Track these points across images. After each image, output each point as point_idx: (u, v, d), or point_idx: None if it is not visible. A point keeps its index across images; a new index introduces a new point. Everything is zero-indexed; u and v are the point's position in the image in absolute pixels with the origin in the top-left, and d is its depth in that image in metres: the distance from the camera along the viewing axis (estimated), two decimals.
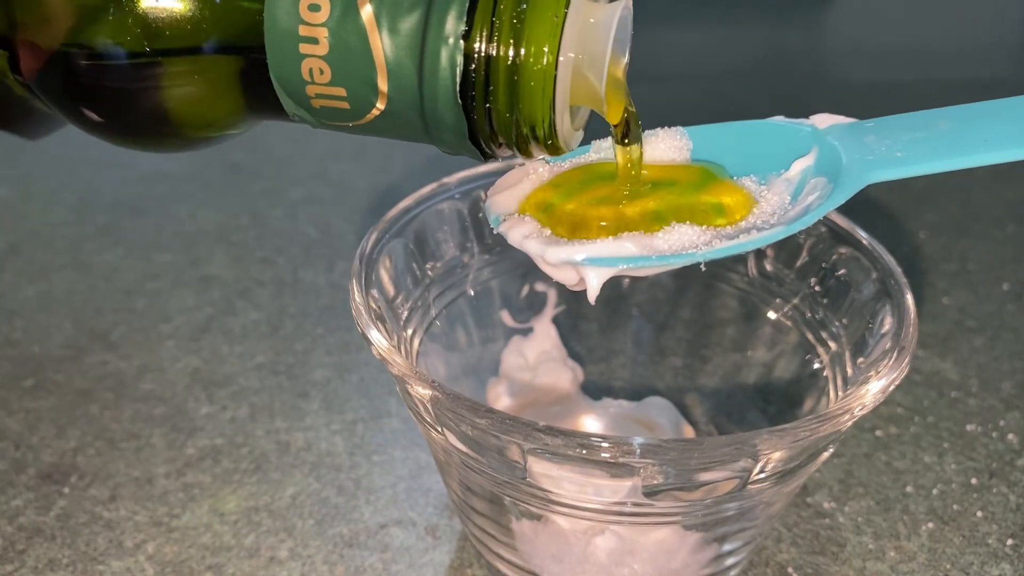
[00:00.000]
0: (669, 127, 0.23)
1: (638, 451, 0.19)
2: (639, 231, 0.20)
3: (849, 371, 0.25)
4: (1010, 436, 0.34)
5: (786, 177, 0.21)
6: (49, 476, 0.32)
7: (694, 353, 0.32)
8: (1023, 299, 0.42)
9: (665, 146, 0.23)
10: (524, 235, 0.21)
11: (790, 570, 0.28)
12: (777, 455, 0.20)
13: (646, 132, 0.22)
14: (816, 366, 0.27)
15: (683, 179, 0.22)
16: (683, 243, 0.20)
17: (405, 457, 0.32)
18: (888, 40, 0.74)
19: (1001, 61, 0.67)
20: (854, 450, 0.33)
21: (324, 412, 0.35)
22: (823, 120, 0.21)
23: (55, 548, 0.29)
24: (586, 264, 0.20)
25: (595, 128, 0.23)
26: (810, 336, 0.27)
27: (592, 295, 0.20)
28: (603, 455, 0.19)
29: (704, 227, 0.20)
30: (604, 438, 0.19)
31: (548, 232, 0.21)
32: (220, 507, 0.30)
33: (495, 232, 0.22)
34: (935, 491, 0.31)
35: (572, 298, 0.31)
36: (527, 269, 0.31)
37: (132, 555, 0.29)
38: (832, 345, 0.26)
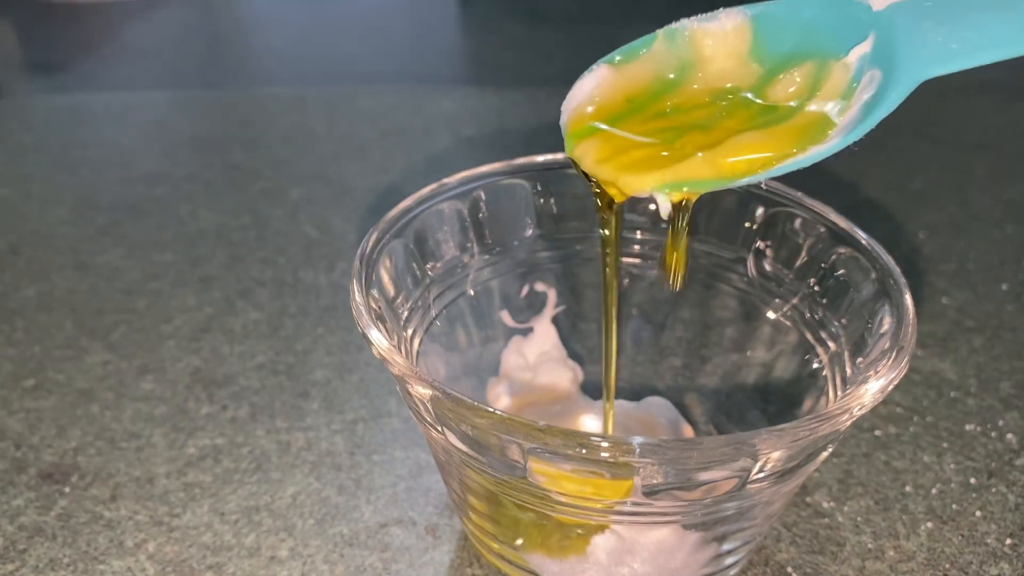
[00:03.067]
0: (728, 8, 0.22)
1: (638, 451, 0.19)
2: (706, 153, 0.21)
3: (848, 371, 0.25)
4: (1009, 436, 0.34)
5: (845, 63, 0.21)
6: (50, 476, 0.32)
7: (693, 353, 0.32)
8: (1022, 299, 0.42)
9: (727, 31, 0.22)
10: (596, 161, 0.22)
11: (789, 569, 0.28)
12: (776, 455, 0.21)
13: (706, 15, 0.22)
14: (815, 366, 0.27)
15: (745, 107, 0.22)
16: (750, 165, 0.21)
17: (405, 457, 0.33)
18: None
19: (1000, 61, 0.67)
20: (853, 450, 0.33)
21: (324, 412, 0.35)
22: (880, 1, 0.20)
23: (56, 547, 0.29)
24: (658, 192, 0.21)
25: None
26: (809, 336, 0.27)
27: (664, 212, 0.21)
28: (603, 455, 0.19)
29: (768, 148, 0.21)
30: (604, 438, 0.19)
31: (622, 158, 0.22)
32: (220, 507, 0.31)
33: (568, 157, 0.23)
34: (934, 491, 0.31)
35: (572, 298, 0.31)
36: (527, 269, 0.31)
37: (133, 554, 0.29)
38: (831, 345, 0.26)
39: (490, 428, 0.20)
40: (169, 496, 0.31)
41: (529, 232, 0.30)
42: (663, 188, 0.21)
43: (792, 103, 0.22)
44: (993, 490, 0.32)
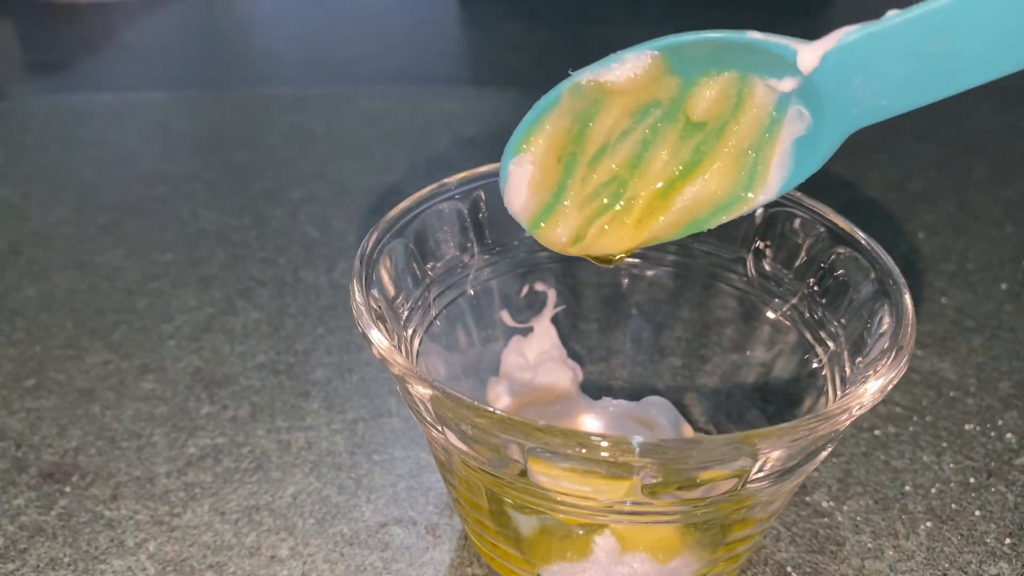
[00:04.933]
0: (638, 49, 0.21)
1: (637, 450, 0.19)
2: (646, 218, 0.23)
3: (847, 371, 0.25)
4: (1008, 435, 0.34)
5: (768, 83, 0.21)
6: (50, 475, 0.32)
7: (693, 353, 0.32)
8: (1021, 299, 0.42)
9: (635, 73, 0.22)
10: (566, 245, 0.24)
11: (789, 569, 0.29)
12: (776, 454, 0.21)
13: (608, 60, 0.22)
14: (815, 365, 0.27)
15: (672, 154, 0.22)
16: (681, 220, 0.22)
17: (405, 456, 0.33)
18: None
19: None
20: (853, 449, 0.33)
21: (325, 411, 0.35)
22: (807, 61, 0.19)
23: (56, 547, 0.29)
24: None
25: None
26: (808, 336, 0.28)
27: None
28: (602, 454, 0.19)
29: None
30: (603, 437, 0.19)
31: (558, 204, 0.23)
32: (221, 506, 0.31)
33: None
34: (933, 490, 0.32)
35: (572, 298, 0.31)
36: (527, 269, 0.31)
37: (133, 554, 0.29)
38: (831, 345, 0.26)
39: (490, 428, 0.20)
40: (169, 496, 0.31)
41: (529, 232, 0.30)
42: (634, 250, 0.24)
43: (716, 123, 0.21)
44: (992, 489, 0.32)
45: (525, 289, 0.31)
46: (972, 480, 0.32)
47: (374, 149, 0.55)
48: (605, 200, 0.23)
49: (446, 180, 0.28)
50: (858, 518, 0.30)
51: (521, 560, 0.26)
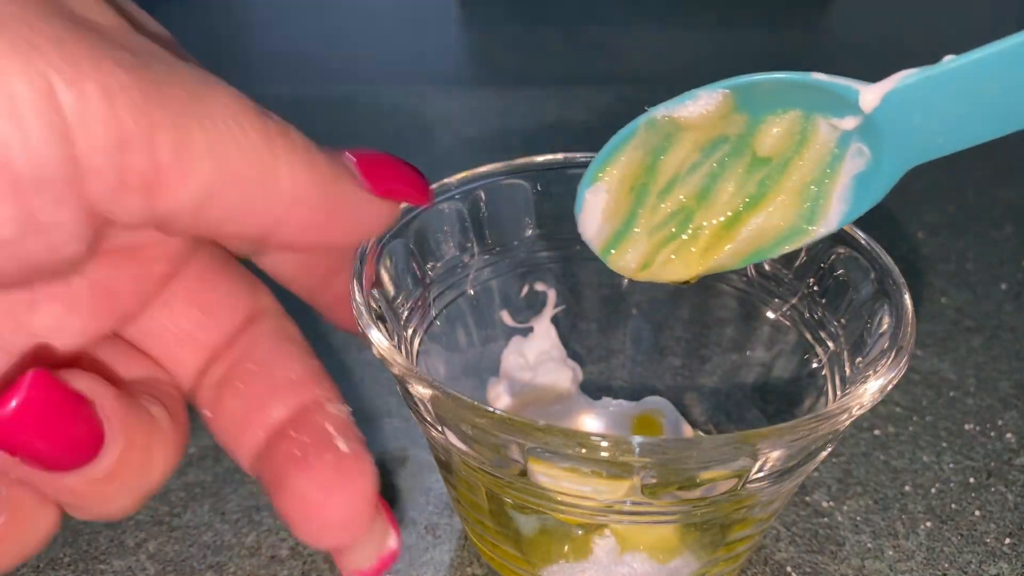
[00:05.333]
0: (710, 88, 0.23)
1: (637, 450, 0.19)
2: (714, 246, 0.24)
3: (847, 371, 0.25)
4: (1008, 435, 0.34)
5: (831, 122, 0.22)
6: None
7: (693, 352, 0.32)
8: (1021, 299, 0.42)
9: (708, 108, 0.23)
10: (636, 271, 0.25)
11: (789, 569, 0.29)
12: (775, 454, 0.21)
13: (682, 97, 0.23)
14: (814, 365, 0.27)
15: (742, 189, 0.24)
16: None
17: (405, 456, 0.33)
18: (888, 40, 0.74)
19: None
20: (852, 449, 0.33)
21: None
22: (868, 101, 0.20)
23: (56, 547, 0.29)
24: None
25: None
26: (808, 336, 0.28)
27: None
28: (602, 454, 0.19)
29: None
30: (603, 437, 0.19)
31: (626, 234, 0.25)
32: (221, 506, 0.31)
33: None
34: (933, 490, 0.32)
35: (572, 298, 0.31)
36: (527, 269, 0.31)
37: (133, 554, 0.29)
38: (830, 345, 0.26)
39: (490, 427, 0.20)
40: (170, 495, 0.31)
41: (529, 232, 0.30)
42: (699, 277, 0.25)
43: (780, 159, 0.23)
44: (992, 489, 0.32)
45: (525, 289, 0.31)
46: (972, 480, 0.32)
47: (374, 149, 0.55)
48: (673, 229, 0.24)
49: (446, 180, 0.28)
50: (858, 518, 0.30)
51: (521, 560, 0.26)
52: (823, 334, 0.27)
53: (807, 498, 0.31)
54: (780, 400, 0.29)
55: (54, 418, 0.15)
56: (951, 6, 0.82)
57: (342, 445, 0.20)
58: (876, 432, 0.34)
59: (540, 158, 0.29)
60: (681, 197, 0.24)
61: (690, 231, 0.24)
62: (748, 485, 0.21)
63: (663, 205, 0.24)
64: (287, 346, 0.22)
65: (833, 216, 0.23)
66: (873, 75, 0.20)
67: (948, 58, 0.19)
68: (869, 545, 0.29)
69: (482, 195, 0.29)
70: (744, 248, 0.24)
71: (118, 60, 0.14)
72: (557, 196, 0.30)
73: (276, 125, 0.17)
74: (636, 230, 0.24)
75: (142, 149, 0.14)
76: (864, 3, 0.84)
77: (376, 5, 0.89)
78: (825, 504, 0.31)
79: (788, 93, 0.22)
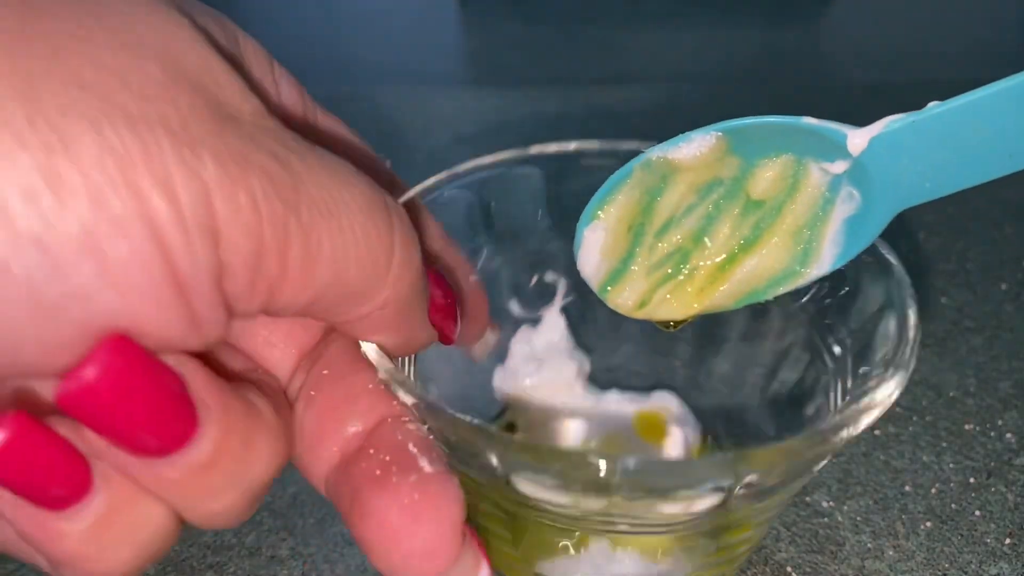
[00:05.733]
0: (704, 131, 0.23)
1: (603, 472, 0.18)
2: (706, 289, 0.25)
3: (849, 381, 0.25)
4: (1008, 435, 0.34)
5: (822, 166, 0.22)
6: None
7: (701, 347, 0.32)
8: (1021, 299, 0.42)
9: (701, 152, 0.23)
10: (632, 309, 0.25)
11: (789, 569, 0.29)
12: (755, 477, 0.20)
13: (677, 140, 0.23)
14: (820, 365, 0.27)
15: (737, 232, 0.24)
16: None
17: None
18: (888, 40, 0.74)
19: (1001, 61, 0.68)
20: (852, 449, 0.33)
21: None
22: (856, 144, 0.21)
23: None
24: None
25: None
26: (816, 336, 0.27)
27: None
28: (576, 472, 0.19)
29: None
30: (571, 455, 0.19)
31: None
32: None
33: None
34: (933, 490, 0.32)
35: (583, 289, 0.31)
36: (537, 259, 0.31)
37: None
38: (836, 349, 0.26)
39: (470, 438, 0.20)
40: None
41: (539, 221, 0.30)
42: (694, 318, 0.25)
43: (774, 202, 0.23)
44: (992, 489, 0.32)
45: (534, 279, 0.31)
46: (972, 480, 0.32)
47: (374, 149, 0.55)
48: (669, 270, 0.25)
49: (456, 168, 0.28)
50: (858, 518, 0.30)
51: (516, 558, 0.26)
52: (830, 337, 0.27)
53: (807, 498, 0.31)
54: (785, 399, 0.29)
55: (138, 389, 0.15)
56: (951, 6, 0.82)
57: (425, 465, 0.19)
58: (876, 432, 0.34)
59: (552, 146, 0.29)
60: (677, 238, 0.24)
61: (686, 271, 0.25)
62: (733, 502, 0.21)
63: (660, 245, 0.25)
64: (362, 360, 0.21)
65: (826, 258, 0.23)
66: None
67: (932, 104, 0.20)
68: (869, 545, 0.29)
69: (492, 183, 0.28)
70: (738, 289, 0.24)
71: (264, 166, 0.15)
72: (569, 185, 0.29)
73: (399, 225, 0.18)
74: (633, 269, 0.25)
75: (274, 259, 0.15)
76: (864, 3, 0.84)
77: (376, 5, 0.89)
78: (825, 504, 0.31)
79: (780, 137, 0.22)
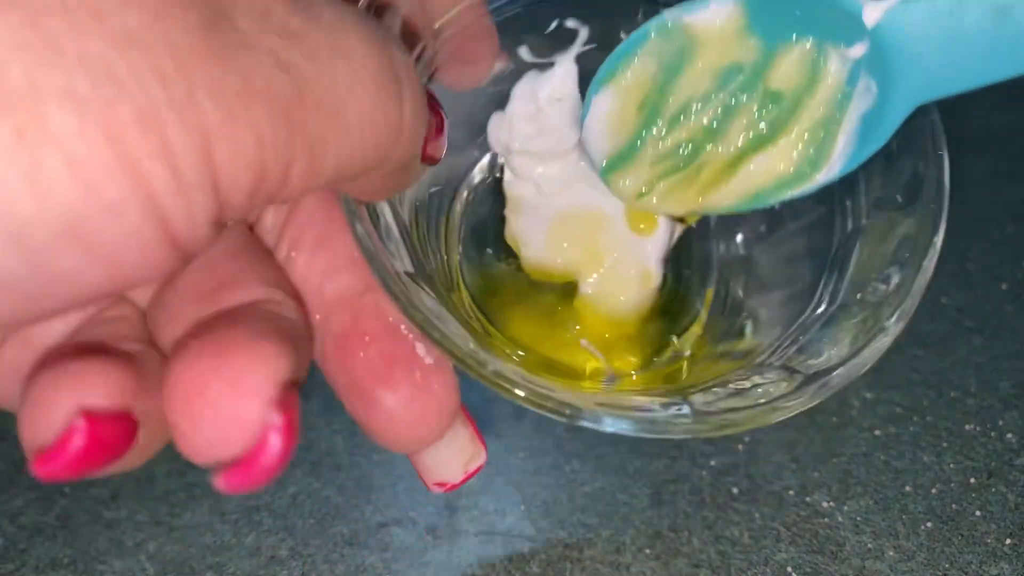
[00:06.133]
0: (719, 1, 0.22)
1: (568, 413, 0.19)
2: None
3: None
4: (1008, 435, 0.34)
5: (842, 53, 0.21)
6: None
7: None
8: (1022, 299, 0.42)
9: (719, 18, 0.22)
10: (635, 196, 0.24)
11: (789, 569, 0.29)
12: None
13: (692, 5, 0.22)
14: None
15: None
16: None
17: (405, 456, 0.33)
18: None
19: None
20: (853, 450, 0.33)
21: (324, 412, 0.35)
22: (871, 16, 0.20)
23: (56, 547, 0.29)
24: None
25: None
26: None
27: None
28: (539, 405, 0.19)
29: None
30: (543, 399, 0.19)
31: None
32: (220, 506, 0.31)
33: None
34: (934, 490, 0.32)
35: (606, 40, 0.27)
36: (561, 4, 0.27)
37: (133, 554, 0.29)
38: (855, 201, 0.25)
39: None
40: (169, 496, 0.31)
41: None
42: (694, 215, 0.25)
43: (792, 95, 0.22)
44: (993, 490, 0.32)
45: (554, 24, 0.27)
46: (972, 480, 0.32)
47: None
48: (678, 163, 0.24)
49: None
50: (858, 518, 0.30)
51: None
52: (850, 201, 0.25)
53: (807, 498, 0.31)
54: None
55: (106, 446, 0.17)
56: None
57: (423, 355, 0.19)
58: (876, 432, 0.34)
59: None
60: (690, 128, 0.23)
61: (693, 166, 0.23)
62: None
63: (670, 134, 0.23)
64: (339, 219, 0.20)
65: (836, 161, 0.22)
66: None
67: None
68: (870, 545, 0.29)
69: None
70: (744, 190, 0.23)
71: (268, 84, 0.13)
72: None
73: (409, 98, 0.16)
74: (639, 155, 0.24)
75: (275, 179, 0.14)
76: None
77: None
78: (825, 504, 0.31)
79: (798, 12, 0.21)
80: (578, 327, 0.27)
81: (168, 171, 0.12)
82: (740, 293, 0.28)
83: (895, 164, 0.24)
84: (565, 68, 0.27)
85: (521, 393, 0.19)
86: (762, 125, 0.23)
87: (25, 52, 0.11)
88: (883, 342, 0.21)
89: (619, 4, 0.26)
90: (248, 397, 0.16)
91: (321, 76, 0.14)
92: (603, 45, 0.26)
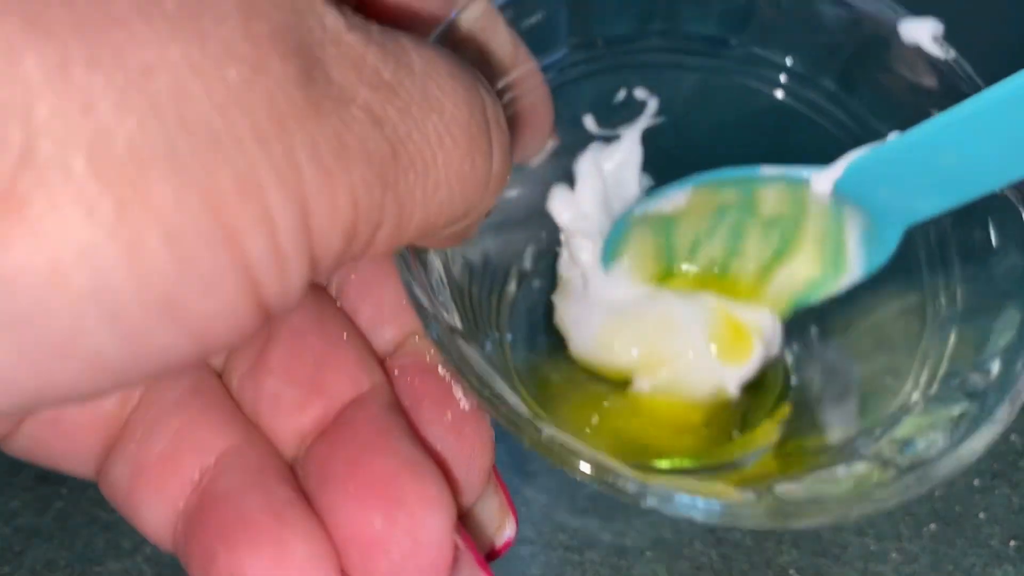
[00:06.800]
0: (674, 187, 0.22)
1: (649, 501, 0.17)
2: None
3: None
4: (1013, 437, 0.34)
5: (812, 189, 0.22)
6: (46, 477, 0.32)
7: None
8: None
9: (683, 203, 0.23)
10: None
11: (792, 572, 0.28)
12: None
13: (655, 194, 0.23)
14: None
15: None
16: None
17: None
18: None
19: (1001, 60, 0.67)
20: None
21: None
22: (821, 190, 0.21)
23: (53, 549, 0.29)
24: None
25: None
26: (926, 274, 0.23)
27: None
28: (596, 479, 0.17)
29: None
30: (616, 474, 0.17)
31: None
32: None
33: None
34: (937, 492, 0.31)
35: (676, 111, 0.26)
36: (629, 69, 0.25)
37: (130, 556, 0.29)
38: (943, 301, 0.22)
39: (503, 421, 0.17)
40: None
41: (639, 25, 0.25)
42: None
43: (789, 217, 0.23)
44: (997, 492, 0.31)
45: (622, 93, 0.26)
46: (977, 482, 0.32)
47: None
48: (712, 280, 0.25)
49: None
50: (862, 520, 0.30)
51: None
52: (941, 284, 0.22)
53: None
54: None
55: None
56: (952, 6, 0.82)
57: (460, 400, 0.18)
58: None
59: None
60: (709, 253, 0.24)
61: (728, 281, 0.24)
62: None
63: (695, 261, 0.24)
64: (389, 267, 0.19)
65: (854, 266, 0.22)
66: None
67: (892, 135, 0.19)
68: (873, 548, 0.29)
69: None
70: (783, 296, 0.24)
71: (363, 141, 0.12)
72: None
73: (499, 151, 0.15)
74: (677, 280, 0.25)
75: (363, 242, 0.13)
76: None
77: None
78: None
79: (754, 183, 0.22)
80: (634, 419, 0.25)
81: (267, 240, 0.11)
82: (818, 386, 0.26)
83: (992, 256, 0.21)
84: (632, 141, 0.26)
85: (587, 469, 0.17)
86: (774, 240, 0.23)
87: (129, 115, 0.10)
88: (992, 430, 0.18)
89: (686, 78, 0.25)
90: (432, 550, 0.16)
91: (413, 131, 0.13)
92: (673, 119, 0.26)
